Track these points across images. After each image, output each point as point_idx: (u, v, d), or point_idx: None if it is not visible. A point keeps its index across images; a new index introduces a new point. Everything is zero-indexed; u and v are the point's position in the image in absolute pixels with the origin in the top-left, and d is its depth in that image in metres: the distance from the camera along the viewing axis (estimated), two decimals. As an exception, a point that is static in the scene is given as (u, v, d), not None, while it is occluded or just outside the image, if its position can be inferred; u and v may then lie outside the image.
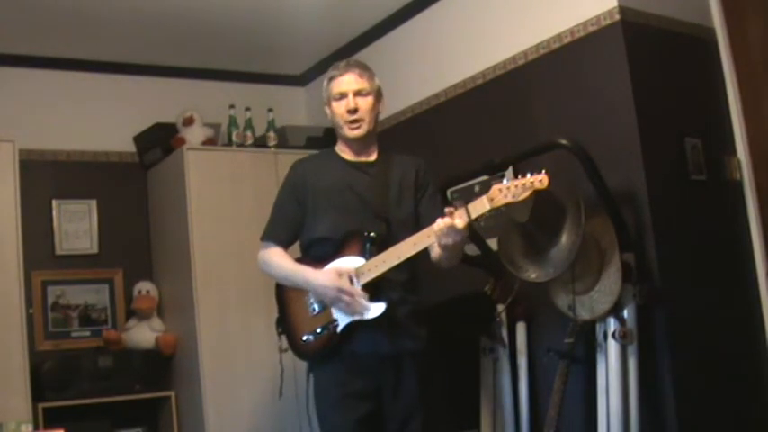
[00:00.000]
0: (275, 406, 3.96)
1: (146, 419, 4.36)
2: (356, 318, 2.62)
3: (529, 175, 2.44)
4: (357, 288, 2.61)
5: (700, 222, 3.34)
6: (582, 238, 2.94)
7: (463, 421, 3.68)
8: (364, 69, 2.82)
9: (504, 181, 2.47)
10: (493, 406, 3.59)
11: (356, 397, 2.66)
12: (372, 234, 2.65)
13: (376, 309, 2.61)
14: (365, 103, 2.77)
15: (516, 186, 2.44)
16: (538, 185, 2.43)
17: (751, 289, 3.39)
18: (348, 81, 2.78)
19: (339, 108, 2.78)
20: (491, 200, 2.46)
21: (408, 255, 2.59)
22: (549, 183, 2.44)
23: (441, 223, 2.49)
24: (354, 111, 2.76)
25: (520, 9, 3.74)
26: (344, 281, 2.61)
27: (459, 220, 2.48)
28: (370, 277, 2.62)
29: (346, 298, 2.60)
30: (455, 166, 3.71)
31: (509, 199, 2.44)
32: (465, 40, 4.04)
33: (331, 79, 2.82)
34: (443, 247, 2.56)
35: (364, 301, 2.60)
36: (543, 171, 2.45)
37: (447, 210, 2.52)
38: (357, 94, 2.77)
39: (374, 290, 2.63)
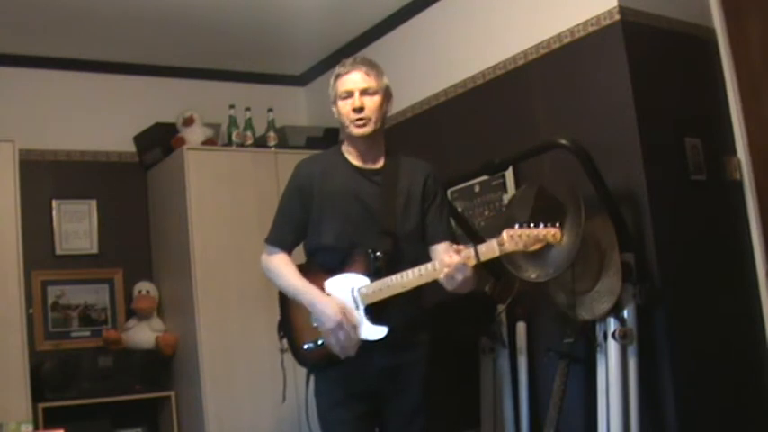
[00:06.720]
0: (275, 405, 3.93)
1: (146, 419, 4.36)
2: (340, 353, 2.61)
3: (542, 226, 2.45)
4: (354, 328, 2.59)
5: (700, 222, 3.34)
6: (582, 238, 2.94)
7: (463, 421, 3.68)
8: (371, 67, 2.73)
9: (516, 226, 2.46)
10: (493, 406, 3.59)
11: (357, 397, 2.65)
12: (378, 253, 2.62)
13: (377, 332, 2.60)
14: (372, 103, 2.69)
15: (528, 236, 2.44)
16: (551, 239, 2.46)
17: (751, 289, 3.39)
18: (354, 79, 2.70)
19: (345, 107, 2.70)
20: (501, 245, 2.46)
21: (413, 285, 2.58)
22: (562, 238, 2.48)
23: (447, 261, 2.48)
24: (360, 110, 2.67)
25: (520, 9, 3.74)
26: (347, 318, 2.59)
27: (468, 261, 2.48)
28: (372, 300, 2.61)
29: (341, 335, 2.58)
30: (455, 166, 3.72)
31: (519, 247, 2.45)
32: (465, 40, 4.04)
33: (337, 77, 2.74)
34: (450, 285, 2.54)
35: (353, 343, 2.59)
36: (558, 224, 2.47)
37: (455, 248, 2.52)
38: (363, 92, 2.68)
39: (377, 310, 2.61)
